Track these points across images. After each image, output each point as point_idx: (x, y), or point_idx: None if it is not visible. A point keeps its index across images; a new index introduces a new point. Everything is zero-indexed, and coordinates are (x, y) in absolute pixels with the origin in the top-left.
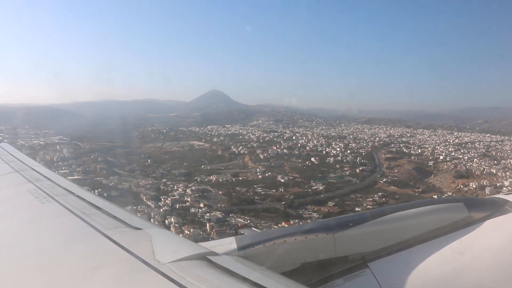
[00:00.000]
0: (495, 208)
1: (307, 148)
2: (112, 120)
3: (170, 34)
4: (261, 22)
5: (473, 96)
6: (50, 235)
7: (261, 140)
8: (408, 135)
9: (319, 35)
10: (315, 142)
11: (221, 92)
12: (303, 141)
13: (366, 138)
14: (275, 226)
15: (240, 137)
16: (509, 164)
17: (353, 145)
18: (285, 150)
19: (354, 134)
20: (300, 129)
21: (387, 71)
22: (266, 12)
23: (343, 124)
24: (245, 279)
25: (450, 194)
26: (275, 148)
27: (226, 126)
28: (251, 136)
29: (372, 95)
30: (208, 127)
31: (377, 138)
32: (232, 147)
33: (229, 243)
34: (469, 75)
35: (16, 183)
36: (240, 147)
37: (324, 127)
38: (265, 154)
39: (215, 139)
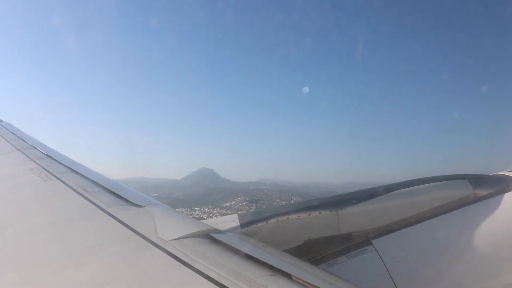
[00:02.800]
0: (500, 185)
1: None
2: None
3: (165, 111)
4: (259, 96)
5: (465, 164)
6: (52, 213)
7: None
8: None
9: (317, 109)
10: None
11: (211, 170)
12: None
13: None
14: None
15: None
16: None
17: None
18: None
19: None
20: None
21: (384, 144)
22: (262, 86)
23: None
24: (248, 256)
25: None
26: None
27: (195, 209)
28: None
29: (368, 168)
30: (177, 209)
31: None
32: None
33: (232, 220)
34: (461, 144)
35: (18, 161)
36: None
37: None
38: None
39: None
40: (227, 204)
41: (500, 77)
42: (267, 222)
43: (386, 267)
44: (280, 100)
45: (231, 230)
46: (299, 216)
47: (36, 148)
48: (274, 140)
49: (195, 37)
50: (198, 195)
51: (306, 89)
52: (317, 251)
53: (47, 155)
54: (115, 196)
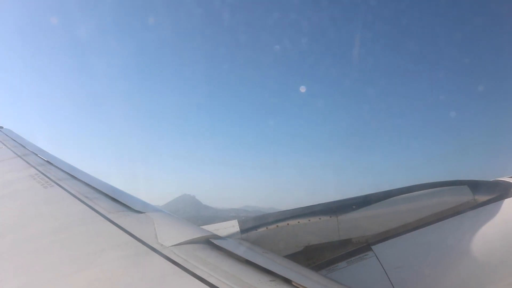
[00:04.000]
0: (500, 191)
1: None
2: None
3: (148, 133)
4: (245, 118)
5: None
6: (52, 219)
7: None
8: None
9: (298, 135)
10: None
11: (193, 197)
12: None
13: None
14: None
15: None
16: None
17: None
18: None
19: None
20: None
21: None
22: (248, 107)
23: None
24: (248, 262)
25: None
26: None
27: None
28: None
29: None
30: None
31: None
32: None
33: (232, 226)
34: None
35: (19, 168)
36: None
37: None
38: None
39: None
40: None
41: (502, 77)
42: (267, 228)
43: (386, 273)
44: (267, 121)
45: (231, 236)
46: (299, 222)
47: (36, 154)
48: (263, 164)
49: (187, 48)
50: None
51: (303, 88)
52: (317, 257)
53: (47, 161)
54: (116, 202)
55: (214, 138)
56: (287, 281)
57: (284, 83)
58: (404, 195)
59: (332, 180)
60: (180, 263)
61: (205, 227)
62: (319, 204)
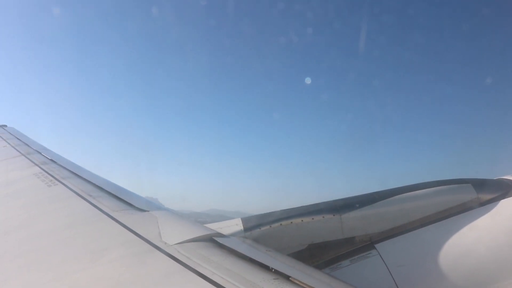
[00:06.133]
0: (503, 189)
1: None
2: None
3: (111, 132)
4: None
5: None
6: (56, 218)
7: None
8: None
9: (271, 136)
10: None
11: (155, 200)
12: None
13: None
14: None
15: None
16: None
17: None
18: None
19: None
20: None
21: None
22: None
23: None
24: (251, 260)
25: None
26: None
27: None
28: None
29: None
30: None
31: None
32: None
33: (236, 224)
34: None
35: (23, 166)
36: None
37: None
38: None
39: None
40: None
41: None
42: (270, 226)
43: (389, 271)
44: (236, 120)
45: (235, 234)
46: (302, 220)
47: (40, 153)
48: (232, 165)
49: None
50: None
51: (308, 80)
52: (320, 255)
53: (51, 160)
54: (119, 201)
55: (178, 137)
56: (290, 279)
57: (266, 77)
58: (407, 193)
59: (312, 182)
60: (183, 261)
61: (209, 225)
62: (322, 202)
